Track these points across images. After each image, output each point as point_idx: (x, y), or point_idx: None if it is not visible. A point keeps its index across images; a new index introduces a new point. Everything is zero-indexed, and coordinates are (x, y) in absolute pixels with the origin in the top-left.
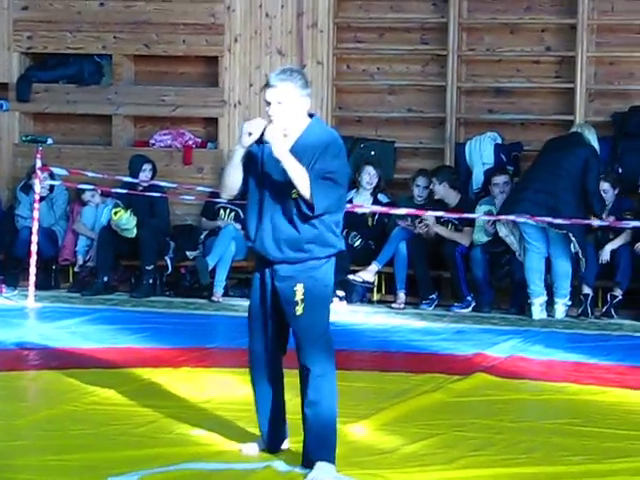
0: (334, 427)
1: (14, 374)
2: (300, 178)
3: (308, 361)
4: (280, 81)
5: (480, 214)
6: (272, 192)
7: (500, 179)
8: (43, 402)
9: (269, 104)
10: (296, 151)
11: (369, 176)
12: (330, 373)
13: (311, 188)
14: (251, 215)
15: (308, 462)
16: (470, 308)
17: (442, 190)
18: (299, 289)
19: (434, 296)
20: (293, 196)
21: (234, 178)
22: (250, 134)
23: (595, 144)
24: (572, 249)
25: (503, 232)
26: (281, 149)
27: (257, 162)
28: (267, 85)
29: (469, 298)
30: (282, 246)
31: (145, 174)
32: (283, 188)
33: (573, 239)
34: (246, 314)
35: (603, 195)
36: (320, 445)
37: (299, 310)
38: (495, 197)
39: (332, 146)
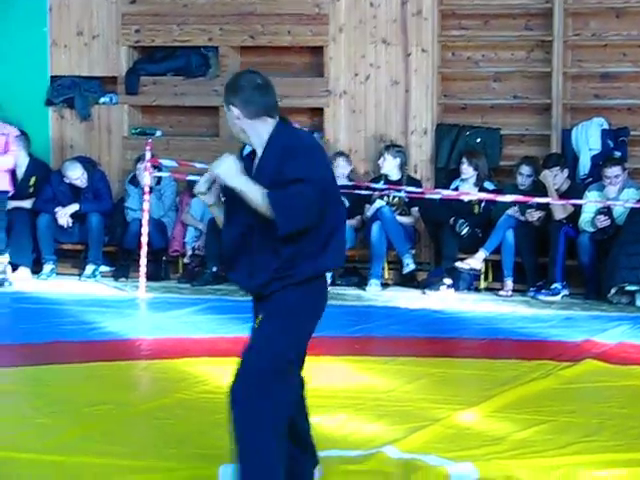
0: None
1: (127, 363)
2: (253, 197)
3: None
4: (225, 104)
5: (588, 200)
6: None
7: (612, 171)
8: (155, 391)
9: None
10: (261, 166)
11: (463, 168)
12: None
13: (271, 205)
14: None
15: None
16: (559, 296)
17: (559, 178)
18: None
19: (541, 283)
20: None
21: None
22: (204, 194)
23: None
24: None
25: None
26: (232, 178)
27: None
28: None
29: (558, 285)
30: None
31: None
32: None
33: None
34: (354, 303)
35: None
36: None
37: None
38: (605, 185)
39: (296, 149)
